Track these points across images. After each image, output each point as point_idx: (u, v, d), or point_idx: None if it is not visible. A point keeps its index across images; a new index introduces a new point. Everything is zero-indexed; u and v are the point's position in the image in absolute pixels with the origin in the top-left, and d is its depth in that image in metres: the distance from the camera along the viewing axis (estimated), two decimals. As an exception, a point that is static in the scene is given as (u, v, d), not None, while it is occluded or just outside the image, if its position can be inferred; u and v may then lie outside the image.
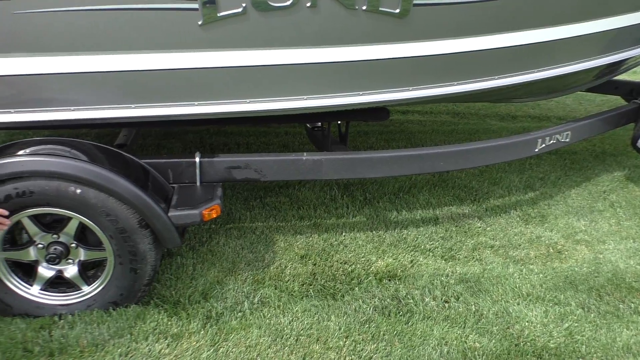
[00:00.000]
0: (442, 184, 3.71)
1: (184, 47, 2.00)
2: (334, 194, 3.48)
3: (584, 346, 2.28)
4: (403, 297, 2.54)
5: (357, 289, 2.58)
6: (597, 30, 2.98)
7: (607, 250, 3.01)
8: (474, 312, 2.45)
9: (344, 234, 3.04)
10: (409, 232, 3.08)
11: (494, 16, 2.50)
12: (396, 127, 4.92)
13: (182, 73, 2.07)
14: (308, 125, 3.61)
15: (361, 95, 2.46)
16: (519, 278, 2.72)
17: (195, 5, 1.93)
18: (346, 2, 2.16)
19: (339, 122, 3.16)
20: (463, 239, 3.06)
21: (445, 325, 2.35)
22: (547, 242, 3.06)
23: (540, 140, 3.03)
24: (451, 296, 2.57)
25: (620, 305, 2.56)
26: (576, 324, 2.40)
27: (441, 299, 2.55)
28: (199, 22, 1.95)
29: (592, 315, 2.47)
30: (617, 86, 4.33)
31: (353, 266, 2.76)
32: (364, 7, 2.20)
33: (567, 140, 3.20)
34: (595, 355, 2.23)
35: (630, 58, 3.37)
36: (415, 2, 2.28)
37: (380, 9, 2.23)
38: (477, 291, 2.61)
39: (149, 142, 4.29)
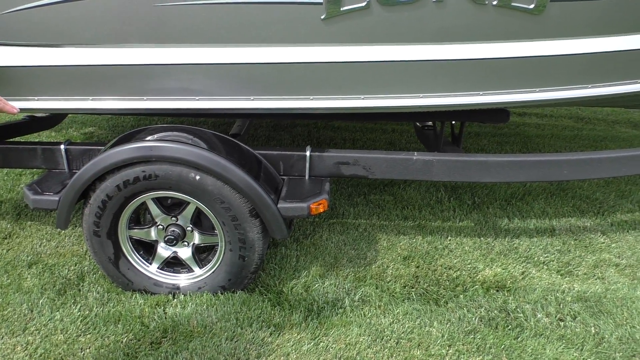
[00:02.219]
0: (561, 193, 3.44)
1: (306, 41, 2.02)
2: (441, 196, 3.37)
3: None
4: (512, 310, 2.38)
5: (461, 296, 2.47)
6: None
7: None
8: (594, 335, 2.23)
9: (449, 238, 2.93)
10: (521, 242, 2.89)
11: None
12: (511, 130, 4.65)
13: (302, 67, 2.10)
14: (418, 124, 3.52)
15: (481, 95, 2.34)
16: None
17: (320, 0, 1.94)
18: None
19: (453, 122, 3.04)
20: (583, 254, 2.81)
21: (560, 345, 2.17)
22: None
23: None
24: (567, 314, 2.37)
25: None
26: None
27: (555, 317, 2.36)
28: (322, 17, 1.96)
29: None
30: None
31: (458, 272, 2.64)
32: (495, 2, 2.08)
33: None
34: None
35: None
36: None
37: (512, 4, 2.09)
38: (598, 312, 2.38)
39: (259, 133, 4.44)
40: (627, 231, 3.03)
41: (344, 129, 4.54)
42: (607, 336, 2.23)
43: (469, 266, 2.70)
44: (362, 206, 3.27)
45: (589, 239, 2.94)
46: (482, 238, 2.93)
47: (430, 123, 3.39)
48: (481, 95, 2.30)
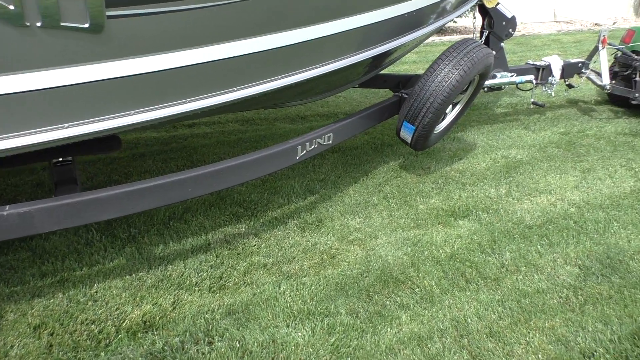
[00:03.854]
0: (220, 202, 3.45)
1: None
2: (91, 237, 3.00)
3: (349, 359, 2.18)
4: (159, 350, 2.20)
5: (103, 354, 2.18)
6: (357, 26, 2.96)
7: (378, 245, 3.02)
8: (237, 350, 2.21)
9: (95, 285, 2.60)
10: (175, 267, 2.76)
11: (236, 20, 2.31)
12: (179, 144, 4.56)
13: None
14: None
15: (67, 128, 2.07)
16: (290, 296, 2.56)
17: None
18: (11, 19, 1.75)
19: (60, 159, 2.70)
20: (235, 262, 2.82)
21: (203, 376, 2.07)
22: (321, 248, 2.98)
23: (300, 147, 2.92)
24: (216, 335, 2.31)
25: (387, 302, 2.54)
26: (343, 335, 2.31)
27: (205, 342, 2.27)
28: None
29: (359, 320, 2.41)
30: (385, 80, 4.51)
31: (102, 325, 2.34)
32: (39, 24, 1.81)
33: (330, 142, 3.15)
34: (358, 367, 2.15)
35: (391, 50, 3.42)
36: (109, 13, 1.95)
37: (62, 24, 1.86)
38: (245, 322, 2.39)
39: None
40: (277, 227, 3.19)
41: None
42: (250, 346, 2.24)
43: (115, 313, 2.42)
44: (-11, 274, 2.68)
45: (242, 245, 2.98)
46: (133, 274, 2.69)
47: (67, 158, 2.98)
48: (67, 128, 2.04)
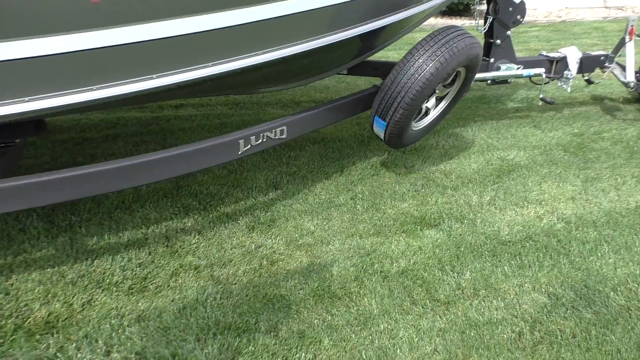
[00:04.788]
0: (175, 192, 3.26)
1: None
2: (29, 223, 2.87)
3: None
4: (51, 356, 2.04)
5: (-8, 355, 2.04)
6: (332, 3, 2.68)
7: (327, 253, 2.76)
8: (132, 364, 2.03)
9: (14, 276, 2.46)
10: (101, 263, 2.59)
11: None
12: (158, 126, 4.38)
13: None
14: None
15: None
16: (211, 305, 2.35)
17: None
18: None
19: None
20: (166, 262, 2.63)
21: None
22: (264, 252, 2.74)
23: (242, 141, 2.67)
24: (116, 344, 2.12)
25: (316, 321, 2.29)
26: (249, 358, 2.08)
27: (102, 351, 2.09)
28: None
29: (275, 341, 2.17)
30: (376, 67, 4.16)
31: (3, 322, 2.20)
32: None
33: (284, 136, 2.88)
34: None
35: (376, 31, 3.08)
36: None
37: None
38: (153, 331, 2.19)
39: None
40: (225, 224, 2.97)
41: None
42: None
43: (23, 309, 2.28)
44: None
45: (180, 243, 2.78)
46: (56, 267, 2.54)
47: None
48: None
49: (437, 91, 3.41)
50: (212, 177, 3.48)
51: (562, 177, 3.66)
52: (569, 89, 4.52)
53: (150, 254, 2.68)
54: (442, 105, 3.53)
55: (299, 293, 2.45)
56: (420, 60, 2.95)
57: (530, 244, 2.88)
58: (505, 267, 2.67)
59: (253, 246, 2.79)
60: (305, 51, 2.76)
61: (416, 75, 2.93)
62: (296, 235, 2.90)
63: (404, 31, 3.82)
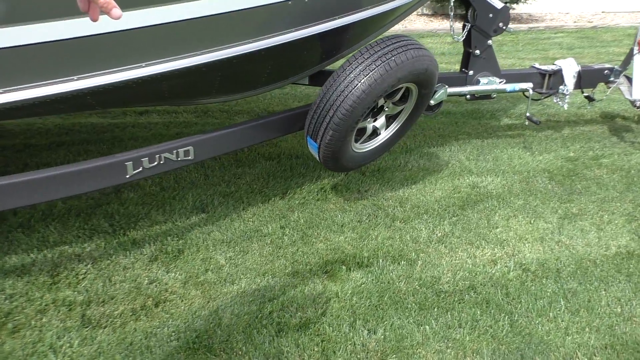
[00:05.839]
0: (91, 210, 2.97)
1: None
2: None
3: None
4: None
5: None
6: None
7: (227, 295, 2.40)
8: None
9: None
10: (-33, 294, 2.32)
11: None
12: (112, 134, 4.13)
13: None
14: None
15: None
16: (62, 355, 2.03)
17: None
18: None
19: None
20: (40, 295, 2.33)
21: None
22: (154, 289, 2.41)
23: (131, 163, 2.34)
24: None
25: (179, 384, 1.94)
26: None
27: None
28: None
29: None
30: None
31: None
32: None
33: (190, 157, 2.54)
34: None
35: (334, 33, 2.70)
36: None
37: None
38: (-13, 385, 1.90)
39: None
40: (126, 252, 2.65)
41: None
42: None
43: None
44: None
45: (66, 272, 2.49)
46: None
47: None
48: None
49: (387, 109, 2.99)
50: (140, 195, 3.18)
51: (537, 212, 3.16)
52: (565, 106, 3.98)
53: (28, 283, 2.40)
54: (396, 125, 3.09)
55: (169, 345, 2.10)
56: (352, 75, 2.54)
57: (471, 296, 2.43)
58: (429, 326, 2.24)
59: (146, 281, 2.46)
60: (243, 54, 2.42)
61: (346, 93, 2.53)
62: (201, 270, 2.55)
63: (373, 33, 3.39)
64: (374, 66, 2.52)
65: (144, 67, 2.21)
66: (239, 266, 2.59)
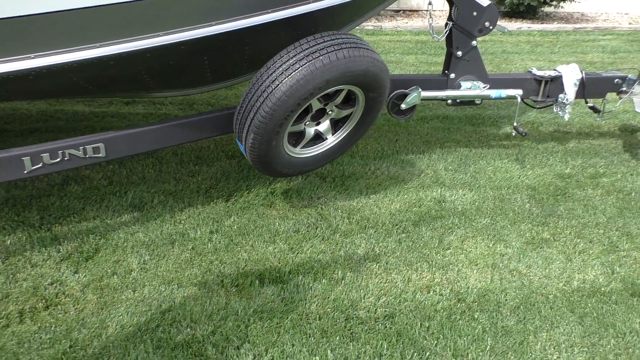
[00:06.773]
0: (27, 201, 2.93)
1: None
2: None
3: None
4: None
5: None
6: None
7: (125, 301, 2.27)
8: None
9: None
10: None
11: None
12: (88, 123, 4.11)
13: None
14: None
15: None
16: None
17: None
18: None
19: None
20: None
21: None
22: (51, 291, 2.31)
23: (29, 159, 2.24)
24: None
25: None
26: None
27: None
28: None
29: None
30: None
31: None
32: None
33: (101, 155, 2.42)
34: None
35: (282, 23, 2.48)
36: None
37: None
38: None
39: None
40: (44, 249, 2.57)
41: None
42: None
43: None
44: None
45: None
46: None
47: None
48: None
49: (331, 112, 2.75)
50: (84, 188, 3.11)
51: (500, 234, 2.82)
52: (566, 117, 3.55)
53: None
54: (345, 129, 2.84)
55: (39, 353, 1.99)
56: (274, 75, 2.32)
57: (385, 326, 2.17)
58: (321, 357, 2.00)
59: (48, 281, 2.37)
60: (156, 47, 2.28)
61: (265, 94, 2.32)
62: (108, 273, 2.44)
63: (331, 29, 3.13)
64: (298, 66, 2.29)
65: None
66: (149, 272, 2.46)
